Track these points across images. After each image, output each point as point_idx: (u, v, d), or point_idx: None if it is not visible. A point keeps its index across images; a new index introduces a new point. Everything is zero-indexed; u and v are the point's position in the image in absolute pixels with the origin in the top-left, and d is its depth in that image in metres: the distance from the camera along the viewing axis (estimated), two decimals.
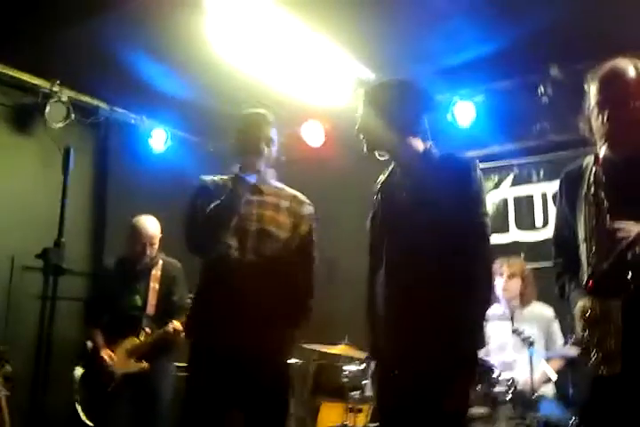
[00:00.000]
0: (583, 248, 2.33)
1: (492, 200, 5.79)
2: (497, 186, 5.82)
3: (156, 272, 4.61)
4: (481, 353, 4.37)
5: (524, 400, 3.95)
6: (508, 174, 5.78)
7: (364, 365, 4.54)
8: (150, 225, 4.58)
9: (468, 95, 5.67)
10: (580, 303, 2.25)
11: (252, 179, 3.02)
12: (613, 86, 2.34)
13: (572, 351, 2.41)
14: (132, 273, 4.60)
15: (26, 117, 5.58)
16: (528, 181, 5.67)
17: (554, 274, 2.57)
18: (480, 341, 2.48)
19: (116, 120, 6.14)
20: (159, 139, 6.30)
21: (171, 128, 6.37)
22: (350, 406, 4.61)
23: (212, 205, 2.98)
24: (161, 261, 4.66)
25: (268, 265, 3.06)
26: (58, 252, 2.83)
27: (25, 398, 3.88)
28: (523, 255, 5.10)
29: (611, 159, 2.30)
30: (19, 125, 5.59)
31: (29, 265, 4.54)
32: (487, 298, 2.53)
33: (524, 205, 5.65)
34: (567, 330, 4.21)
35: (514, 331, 4.16)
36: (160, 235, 4.60)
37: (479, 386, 3.85)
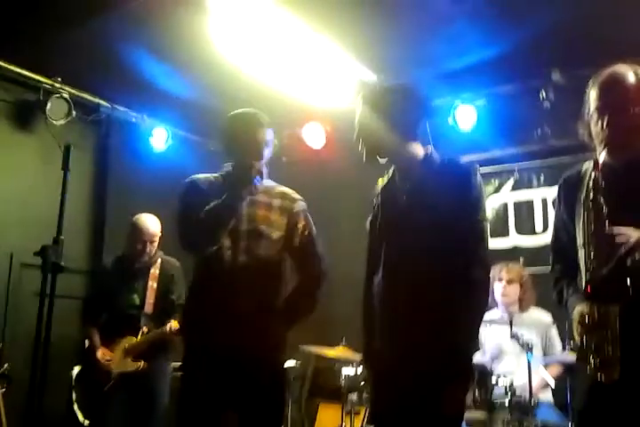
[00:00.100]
0: (581, 254, 2.33)
1: (492, 204, 5.79)
2: (497, 190, 5.83)
3: (155, 271, 4.61)
4: (479, 358, 4.42)
5: (522, 406, 3.94)
6: (509, 179, 5.78)
7: (362, 367, 4.54)
8: (151, 223, 4.58)
9: (470, 99, 5.68)
10: (578, 309, 2.25)
11: (257, 181, 3.02)
12: (613, 92, 2.34)
13: (571, 357, 2.40)
14: (131, 271, 4.59)
15: (27, 114, 5.58)
16: (529, 185, 5.68)
17: (551, 279, 2.57)
18: (476, 344, 2.51)
19: (117, 118, 6.13)
20: (160, 137, 6.29)
21: (172, 127, 6.37)
22: (348, 408, 4.61)
23: (212, 205, 2.97)
24: (160, 260, 4.65)
25: (261, 265, 3.05)
26: (56, 249, 2.82)
27: (22, 397, 3.87)
28: (522, 260, 5.11)
29: (610, 165, 2.30)
30: (20, 122, 5.58)
31: (28, 262, 4.55)
32: (485, 302, 2.54)
33: (525, 209, 5.66)
34: (565, 336, 4.21)
35: (512, 336, 4.15)
36: (160, 233, 4.60)
37: (477, 391, 3.85)
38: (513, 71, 5.26)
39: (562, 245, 2.52)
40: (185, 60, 5.08)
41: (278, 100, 5.36)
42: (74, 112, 5.54)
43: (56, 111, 5.46)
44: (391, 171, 2.76)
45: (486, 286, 2.54)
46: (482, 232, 2.53)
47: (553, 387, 4.25)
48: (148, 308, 4.51)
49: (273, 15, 4.41)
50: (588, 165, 2.41)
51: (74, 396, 4.38)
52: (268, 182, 3.21)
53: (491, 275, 4.59)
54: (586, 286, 2.22)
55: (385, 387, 2.59)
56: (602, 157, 2.29)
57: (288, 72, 5.10)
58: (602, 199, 2.22)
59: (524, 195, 5.69)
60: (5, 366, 4.43)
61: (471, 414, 3.82)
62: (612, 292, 2.15)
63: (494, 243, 5.63)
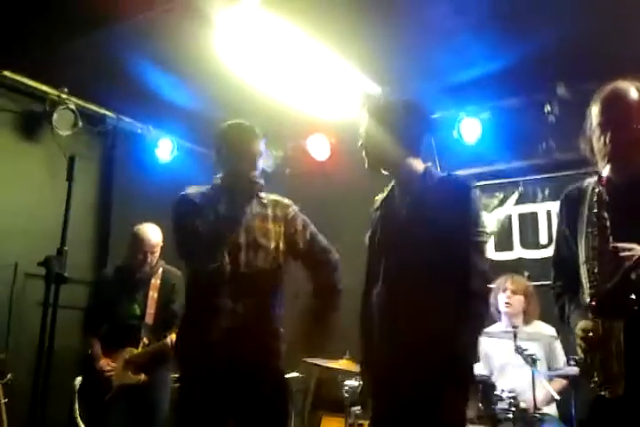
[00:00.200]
0: (584, 269, 2.33)
1: (496, 217, 5.79)
2: (502, 203, 5.82)
3: (156, 281, 4.59)
4: (483, 371, 4.40)
5: (526, 419, 3.92)
6: (513, 192, 5.78)
7: (360, 377, 4.52)
8: (152, 234, 4.57)
9: (475, 112, 5.68)
10: (581, 324, 2.25)
11: (252, 197, 3.03)
12: (615, 108, 2.36)
13: (575, 371, 2.40)
14: (132, 282, 4.58)
15: (33, 124, 5.60)
16: (533, 199, 5.67)
17: (553, 295, 2.58)
18: (475, 354, 2.55)
19: (122, 129, 6.16)
20: (165, 149, 6.31)
21: (177, 138, 6.38)
22: (351, 420, 4.59)
23: (208, 221, 2.96)
24: (161, 270, 4.64)
25: (261, 276, 3.06)
26: (60, 260, 2.82)
27: (25, 407, 3.86)
28: (526, 273, 5.09)
29: (613, 180, 2.31)
30: (26, 132, 5.60)
31: (32, 273, 4.55)
32: (484, 313, 2.60)
33: (529, 222, 5.65)
34: (569, 349, 4.19)
35: (516, 349, 4.14)
36: (161, 243, 4.60)
37: (481, 404, 3.83)
38: (518, 85, 5.27)
39: (564, 261, 2.53)
40: (190, 72, 5.10)
41: (283, 112, 5.38)
42: (80, 123, 5.55)
43: (62, 122, 5.48)
44: (391, 185, 2.81)
45: (485, 297, 2.60)
46: (480, 245, 2.58)
47: (557, 400, 4.22)
48: (149, 318, 4.49)
49: (278, 28, 4.44)
50: (590, 180, 2.44)
51: (76, 406, 4.37)
52: (259, 193, 3.21)
53: (495, 286, 4.65)
54: (590, 301, 2.22)
55: (385, 397, 2.61)
56: (605, 172, 2.30)
57: (293, 84, 5.11)
58: (606, 214, 2.22)
59: (528, 208, 5.69)
60: (9, 376, 4.42)
61: None
62: (616, 307, 2.14)
63: (498, 256, 5.70)
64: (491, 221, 5.80)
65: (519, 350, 4.11)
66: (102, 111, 5.95)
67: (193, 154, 6.58)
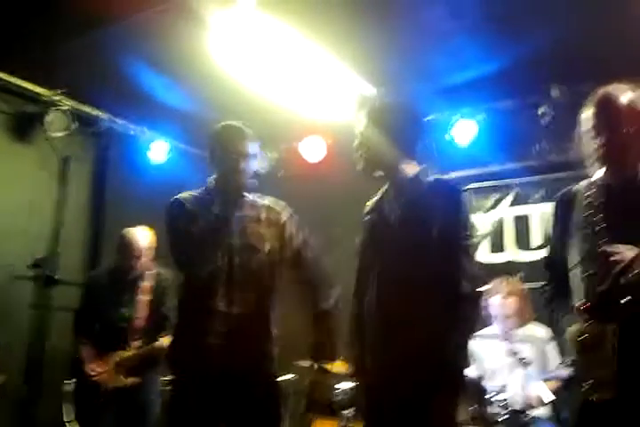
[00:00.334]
0: (576, 272, 2.34)
1: (490, 219, 5.79)
2: (496, 205, 5.82)
3: (147, 284, 4.56)
4: (476, 374, 4.40)
5: (518, 422, 3.92)
6: (508, 194, 5.78)
7: (351, 381, 4.52)
8: (140, 238, 4.55)
9: (469, 114, 5.69)
10: (573, 328, 2.24)
11: (246, 199, 3.02)
12: (608, 111, 2.37)
13: (567, 373, 2.41)
14: (122, 284, 4.55)
15: (26, 126, 5.57)
16: (527, 201, 5.67)
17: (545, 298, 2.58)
18: (465, 357, 2.55)
19: (116, 131, 6.14)
20: (160, 150, 6.30)
21: (171, 140, 6.37)
22: (343, 423, 4.57)
23: (202, 224, 2.95)
24: (152, 272, 4.61)
25: (255, 279, 3.05)
26: (52, 262, 2.83)
27: (15, 409, 3.86)
28: (520, 275, 5.09)
29: (606, 183, 2.31)
30: (19, 134, 5.57)
31: (23, 274, 4.53)
32: (474, 316, 2.60)
33: (523, 224, 5.65)
34: (563, 352, 4.19)
35: (509, 351, 4.14)
36: (151, 245, 4.57)
37: (473, 407, 3.83)
38: (512, 87, 5.27)
39: (556, 264, 2.53)
40: (185, 74, 5.09)
41: (277, 114, 5.37)
42: (73, 124, 5.53)
43: (55, 123, 5.46)
44: (384, 188, 2.83)
45: (476, 300, 2.59)
46: (470, 249, 2.60)
47: (550, 402, 4.22)
48: (140, 321, 4.47)
49: (273, 29, 4.43)
50: (583, 183, 2.46)
51: (66, 409, 4.35)
52: (253, 196, 3.22)
53: (488, 288, 4.64)
54: (582, 304, 2.21)
55: (376, 402, 2.62)
56: (597, 175, 2.30)
57: (287, 86, 5.10)
58: (598, 217, 2.23)
59: (522, 210, 5.69)
60: (2, 377, 4.40)
61: None
62: (608, 310, 2.14)
63: (492, 258, 5.69)
64: (484, 222, 5.80)
65: (512, 353, 4.11)
66: (96, 112, 5.93)
67: (187, 155, 6.57)
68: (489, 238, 5.78)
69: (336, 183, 5.79)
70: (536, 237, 5.54)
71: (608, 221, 2.23)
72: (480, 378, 4.34)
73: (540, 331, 4.49)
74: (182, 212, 3.06)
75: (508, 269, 5.39)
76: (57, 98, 5.48)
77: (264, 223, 3.16)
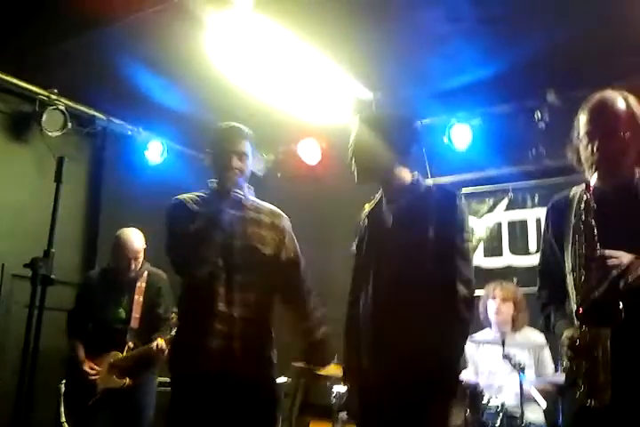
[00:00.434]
0: (570, 278, 2.34)
1: (486, 224, 5.80)
2: (491, 210, 5.83)
3: (141, 284, 4.55)
4: (471, 378, 4.40)
5: (513, 426, 3.93)
6: (503, 198, 5.78)
7: (344, 384, 4.52)
8: (135, 239, 4.54)
9: (465, 118, 5.69)
10: (568, 333, 2.24)
11: (237, 196, 3.02)
12: (603, 117, 2.37)
13: (562, 378, 2.41)
14: (117, 285, 4.55)
15: (22, 125, 5.57)
16: (523, 205, 5.68)
17: (539, 305, 2.59)
18: (460, 358, 2.56)
19: (112, 131, 6.13)
20: (155, 151, 6.29)
21: (167, 140, 6.36)
22: (338, 426, 4.57)
23: (202, 225, 2.95)
24: (146, 273, 4.60)
25: (257, 282, 3.05)
26: (47, 262, 2.81)
27: (9, 409, 3.84)
28: (515, 280, 5.10)
29: (600, 188, 2.31)
30: (15, 133, 5.57)
31: (19, 274, 4.52)
32: (469, 318, 2.58)
33: (518, 229, 5.66)
34: (558, 357, 4.20)
35: (504, 356, 4.14)
36: (144, 246, 4.56)
37: (468, 411, 3.83)
38: (509, 91, 5.29)
39: (550, 270, 2.54)
40: (181, 75, 5.09)
41: (274, 116, 5.37)
42: (69, 124, 5.53)
43: (51, 123, 5.45)
44: (379, 195, 2.85)
45: (471, 303, 2.59)
46: (466, 253, 2.62)
47: (544, 408, 4.23)
48: (134, 322, 4.45)
49: (270, 32, 4.43)
50: (576, 189, 2.46)
51: (61, 410, 4.33)
52: (254, 199, 3.23)
53: (484, 293, 4.65)
54: (577, 309, 2.21)
55: (371, 405, 2.62)
56: (592, 180, 2.30)
57: (284, 88, 5.11)
58: (593, 222, 2.23)
59: (518, 214, 5.70)
60: None
61: None
62: (603, 315, 2.14)
63: (488, 262, 5.70)
64: (480, 227, 5.81)
65: (507, 358, 4.12)
66: (92, 112, 5.93)
67: (183, 156, 6.57)
68: (484, 243, 5.79)
69: (333, 185, 5.80)
70: (532, 241, 5.55)
71: (602, 226, 2.23)
72: (475, 382, 4.34)
73: (535, 336, 4.50)
74: (183, 212, 3.06)
75: (504, 273, 5.41)
76: (53, 97, 5.48)
77: (265, 226, 3.16)
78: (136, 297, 4.51)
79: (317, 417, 4.97)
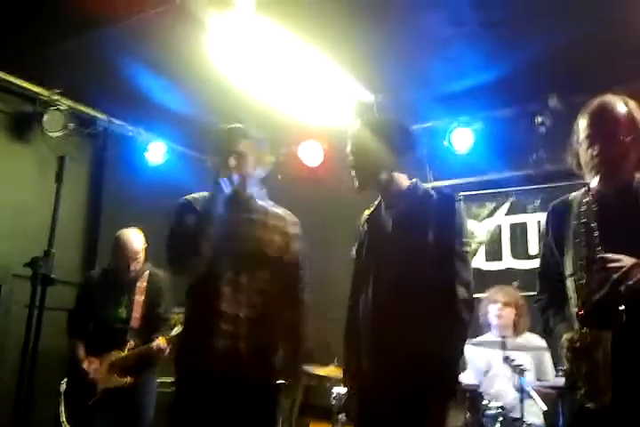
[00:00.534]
0: (571, 281, 2.34)
1: (486, 228, 5.80)
2: (492, 213, 5.83)
3: (142, 284, 4.56)
4: (471, 380, 4.40)
5: None
6: (504, 202, 5.79)
7: (344, 385, 4.51)
8: (134, 240, 4.55)
9: (467, 122, 5.69)
10: (568, 336, 2.24)
11: (228, 188, 3.01)
12: (603, 121, 2.38)
13: (562, 381, 2.42)
14: (117, 285, 4.55)
15: (24, 125, 5.57)
16: (523, 209, 5.69)
17: (538, 308, 2.59)
18: (459, 359, 2.60)
19: (113, 131, 6.13)
20: (157, 152, 6.29)
21: (168, 142, 6.37)
22: None
23: (209, 226, 2.96)
24: (147, 273, 4.61)
25: (262, 284, 3.06)
26: (47, 261, 2.81)
27: (8, 408, 3.83)
28: (516, 283, 5.10)
29: (601, 192, 2.31)
30: (16, 133, 5.57)
31: (19, 273, 4.52)
32: (468, 320, 2.60)
33: (519, 233, 5.66)
34: (557, 360, 4.19)
35: (505, 359, 4.14)
36: (144, 247, 4.57)
37: (468, 413, 3.83)
38: (510, 95, 5.29)
39: (549, 273, 2.55)
40: (182, 76, 5.09)
41: (275, 118, 5.37)
42: (70, 124, 5.53)
43: (53, 123, 5.45)
44: (377, 200, 2.89)
45: (470, 305, 2.61)
46: (465, 256, 2.65)
47: (544, 410, 4.22)
48: (135, 322, 4.46)
49: (271, 34, 4.43)
50: (575, 194, 2.48)
51: (61, 409, 4.33)
52: (265, 202, 3.23)
53: (486, 297, 4.66)
54: (578, 311, 2.21)
55: (371, 403, 2.64)
56: (593, 184, 2.31)
57: (286, 90, 5.11)
58: (593, 225, 2.23)
59: (518, 219, 5.70)
60: None
61: None
62: (604, 317, 2.14)
63: (488, 266, 5.70)
64: (481, 230, 5.81)
65: (507, 361, 4.11)
66: (93, 113, 5.93)
67: (184, 158, 6.57)
68: (485, 247, 5.79)
69: (334, 186, 5.79)
70: (532, 245, 5.54)
71: (603, 229, 2.24)
72: (476, 385, 4.34)
73: (536, 340, 4.50)
74: (189, 212, 3.06)
75: (504, 277, 5.40)
76: (54, 98, 5.47)
77: (272, 229, 3.16)
78: (136, 297, 4.51)
79: (317, 418, 4.97)
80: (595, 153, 2.34)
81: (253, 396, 2.98)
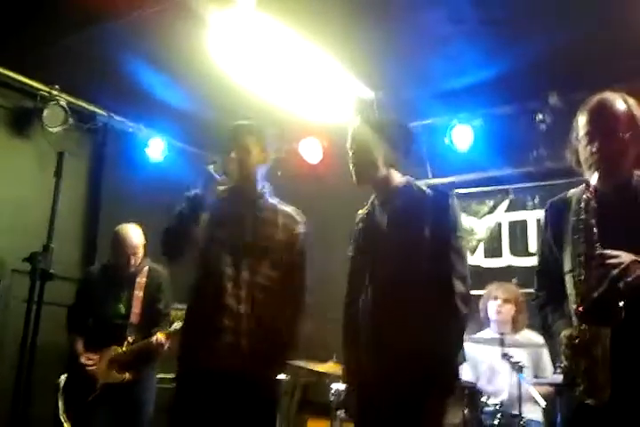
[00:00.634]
0: (569, 278, 2.34)
1: (486, 224, 5.79)
2: (492, 210, 5.83)
3: (141, 280, 4.56)
4: (470, 377, 4.40)
5: (512, 425, 3.93)
6: (504, 199, 5.79)
7: (343, 381, 4.52)
8: (133, 235, 4.55)
9: (467, 119, 5.69)
10: (566, 332, 2.24)
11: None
12: (602, 117, 2.38)
13: (561, 379, 2.42)
14: (117, 280, 4.55)
15: (23, 121, 5.57)
16: (523, 206, 5.68)
17: (536, 305, 2.60)
18: (458, 352, 2.60)
19: (113, 127, 6.13)
20: (157, 148, 6.29)
21: (169, 138, 6.37)
22: (337, 424, 4.57)
23: (217, 223, 2.99)
24: (146, 268, 4.61)
25: (262, 281, 3.07)
26: (46, 256, 2.81)
27: (7, 404, 3.84)
28: (515, 280, 5.10)
29: (600, 189, 2.31)
30: (16, 128, 5.57)
31: (19, 268, 4.52)
32: (465, 314, 2.61)
33: (519, 230, 5.66)
34: (554, 356, 4.20)
35: (503, 355, 4.15)
36: (143, 242, 4.57)
37: (466, 410, 3.84)
38: (510, 93, 5.29)
39: (548, 270, 2.55)
40: (183, 72, 5.09)
41: (276, 115, 5.36)
42: (70, 120, 5.53)
43: (52, 118, 5.45)
44: (372, 198, 2.91)
45: (468, 298, 2.63)
46: (460, 250, 2.67)
47: (543, 406, 4.23)
48: (134, 318, 4.46)
49: (272, 30, 4.43)
50: (574, 191, 2.49)
51: (60, 404, 4.33)
52: (273, 200, 3.27)
53: (485, 293, 4.66)
54: (577, 308, 2.21)
55: (370, 399, 2.65)
56: (592, 181, 2.31)
57: (286, 87, 5.10)
58: (593, 221, 2.23)
59: (518, 216, 5.70)
60: None
61: None
62: (603, 314, 2.14)
63: (488, 263, 5.70)
64: (480, 227, 5.81)
65: (506, 357, 4.12)
66: (93, 109, 5.93)
67: (184, 154, 6.57)
68: (485, 243, 5.79)
69: (334, 183, 5.79)
70: (532, 242, 5.55)
71: (601, 226, 2.24)
72: (474, 382, 4.34)
73: (535, 337, 4.50)
74: (196, 204, 3.08)
75: (503, 274, 5.40)
76: (54, 93, 5.47)
77: (280, 228, 3.19)
78: (136, 292, 4.51)
79: (316, 415, 4.98)
80: (594, 150, 2.35)
81: (253, 392, 2.99)
